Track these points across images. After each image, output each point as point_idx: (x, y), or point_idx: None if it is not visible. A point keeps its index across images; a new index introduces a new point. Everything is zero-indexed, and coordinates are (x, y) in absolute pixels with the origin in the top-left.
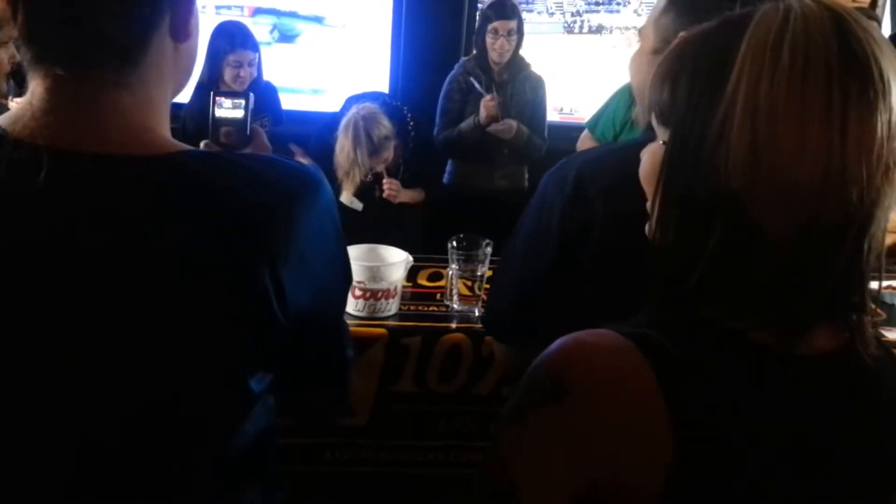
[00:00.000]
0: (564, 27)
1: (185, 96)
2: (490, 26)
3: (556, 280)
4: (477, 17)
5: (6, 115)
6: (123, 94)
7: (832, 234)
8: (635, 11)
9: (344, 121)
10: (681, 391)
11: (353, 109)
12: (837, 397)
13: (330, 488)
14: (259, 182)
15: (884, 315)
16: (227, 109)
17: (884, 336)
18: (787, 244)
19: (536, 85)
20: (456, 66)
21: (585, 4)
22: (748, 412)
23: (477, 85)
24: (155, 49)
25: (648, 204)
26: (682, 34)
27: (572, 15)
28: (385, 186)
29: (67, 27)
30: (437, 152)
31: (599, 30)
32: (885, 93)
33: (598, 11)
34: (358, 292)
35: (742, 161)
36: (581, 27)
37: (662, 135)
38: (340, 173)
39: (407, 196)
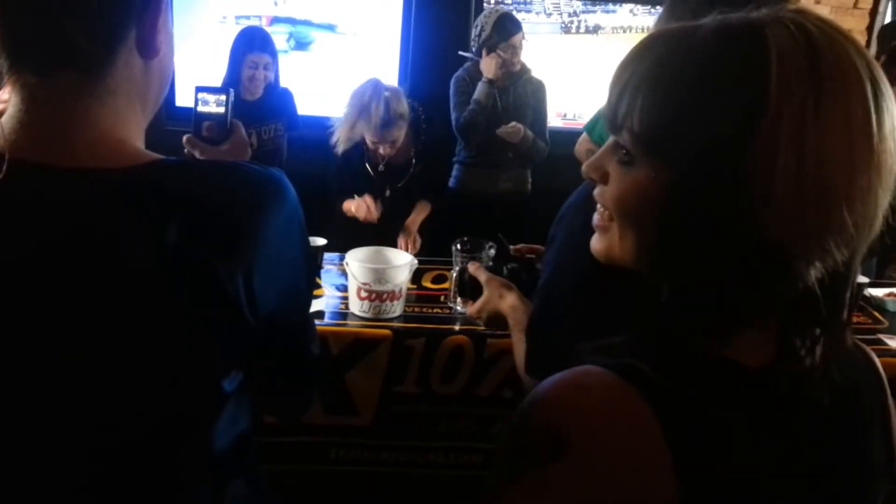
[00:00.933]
0: (562, 27)
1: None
2: (500, 47)
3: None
4: (477, 36)
5: None
6: (93, 104)
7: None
8: (631, 11)
9: (363, 87)
10: (680, 427)
11: (378, 82)
12: (830, 415)
13: (333, 487)
14: (228, 189)
15: (886, 323)
16: (209, 105)
17: (887, 344)
18: (814, 280)
19: (538, 88)
20: (459, 70)
21: (582, 4)
22: (748, 442)
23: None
24: (123, 62)
25: (613, 224)
26: (656, 30)
27: (569, 15)
28: (409, 245)
29: (36, 34)
30: (458, 138)
31: (596, 30)
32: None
33: (594, 12)
34: (363, 294)
35: (789, 209)
36: (578, 27)
37: (641, 159)
38: (338, 132)
39: (419, 221)
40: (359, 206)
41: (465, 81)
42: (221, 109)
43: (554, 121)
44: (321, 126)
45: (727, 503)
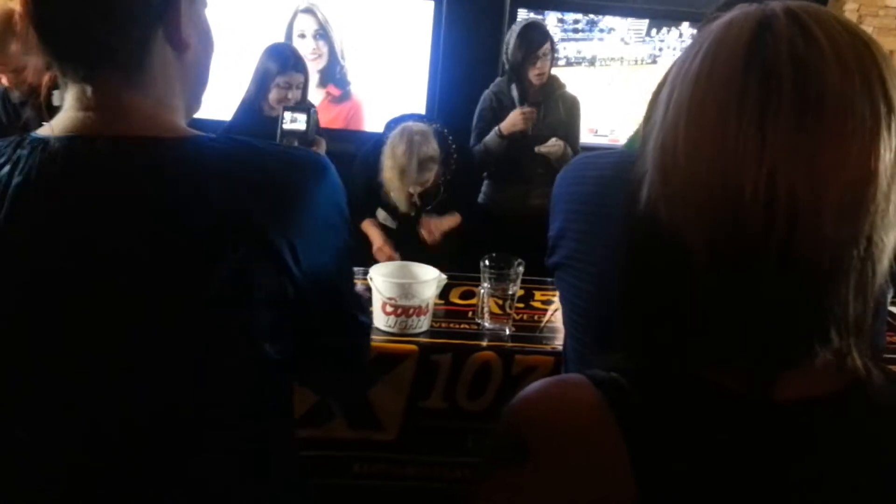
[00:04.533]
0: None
1: (228, 113)
2: (529, 57)
3: None
4: (507, 46)
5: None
6: (137, 94)
7: (760, 261)
8: (622, 40)
9: (394, 136)
10: (647, 448)
11: (407, 126)
12: (809, 447)
13: (356, 502)
14: (270, 162)
15: None
16: (293, 123)
17: None
18: (711, 268)
19: (571, 105)
20: (490, 86)
21: (562, 32)
22: (716, 467)
23: (516, 96)
24: (157, 58)
25: None
26: None
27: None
28: (425, 235)
29: (73, 44)
30: (475, 167)
31: (581, 61)
32: (803, 101)
33: (585, 40)
34: (389, 308)
35: (653, 171)
36: (558, 59)
37: None
38: (388, 187)
39: (446, 226)
40: (379, 249)
41: (489, 107)
42: (303, 127)
43: (585, 136)
44: (344, 140)
45: None
